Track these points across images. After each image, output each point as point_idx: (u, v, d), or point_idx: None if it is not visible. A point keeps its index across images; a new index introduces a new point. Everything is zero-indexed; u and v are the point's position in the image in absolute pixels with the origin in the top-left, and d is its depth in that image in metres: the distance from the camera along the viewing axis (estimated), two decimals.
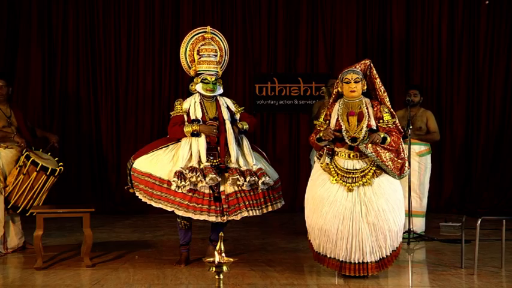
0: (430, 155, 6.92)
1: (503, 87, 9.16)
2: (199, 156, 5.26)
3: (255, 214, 5.31)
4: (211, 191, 5.20)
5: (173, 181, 5.10)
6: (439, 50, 9.20)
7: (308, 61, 9.29)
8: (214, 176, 5.12)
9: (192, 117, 5.40)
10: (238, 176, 5.18)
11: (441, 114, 9.14)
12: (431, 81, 9.21)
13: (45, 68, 9.01)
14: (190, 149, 5.29)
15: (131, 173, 5.41)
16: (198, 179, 5.08)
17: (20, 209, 5.98)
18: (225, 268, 2.99)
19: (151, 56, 9.15)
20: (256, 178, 5.24)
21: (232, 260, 3.03)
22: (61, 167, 6.11)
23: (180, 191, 5.11)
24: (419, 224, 6.79)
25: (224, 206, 5.19)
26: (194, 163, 5.21)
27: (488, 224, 6.09)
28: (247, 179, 5.19)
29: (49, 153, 6.27)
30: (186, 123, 5.36)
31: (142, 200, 5.32)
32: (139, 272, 5.16)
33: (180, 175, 5.10)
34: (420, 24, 9.24)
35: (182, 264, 5.35)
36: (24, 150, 6.00)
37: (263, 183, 5.26)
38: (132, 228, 7.51)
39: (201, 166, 5.20)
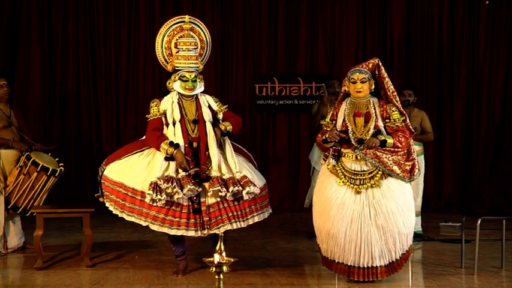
0: (423, 155, 6.91)
1: (503, 87, 9.16)
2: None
3: (239, 226, 4.88)
4: (190, 203, 4.76)
5: (148, 194, 4.65)
6: (439, 50, 9.20)
7: (308, 61, 9.29)
8: (193, 187, 4.68)
9: (169, 118, 4.95)
10: (219, 187, 4.72)
11: (441, 114, 9.15)
12: (431, 81, 9.21)
13: (45, 68, 9.00)
14: None
15: (102, 181, 4.99)
16: (174, 190, 4.63)
17: (20, 209, 5.98)
18: (225, 268, 2.99)
19: (151, 55, 9.11)
20: (240, 188, 4.78)
21: (232, 260, 3.03)
22: (61, 168, 6.10)
23: (155, 204, 4.68)
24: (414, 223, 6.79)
25: (205, 218, 4.76)
26: (171, 172, 4.77)
27: (488, 224, 6.08)
28: (230, 189, 4.74)
29: (49, 153, 6.27)
30: (166, 141, 4.85)
31: (113, 212, 4.90)
32: (139, 272, 5.15)
33: (155, 187, 4.64)
34: (420, 24, 9.24)
35: (180, 274, 4.98)
36: (25, 152, 5.99)
37: (248, 193, 4.81)
38: (132, 228, 7.48)
39: (178, 176, 4.76)
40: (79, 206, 5.69)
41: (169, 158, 4.83)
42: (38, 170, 5.92)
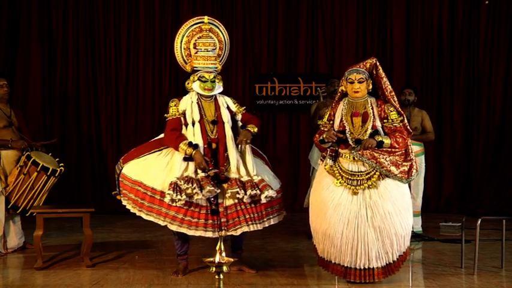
0: (424, 155, 6.90)
1: (503, 87, 9.18)
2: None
3: (255, 229, 4.89)
4: (208, 204, 4.77)
5: (168, 194, 4.66)
6: (439, 50, 9.21)
7: (308, 61, 9.30)
8: (212, 188, 4.70)
9: (189, 119, 4.94)
10: (238, 189, 4.75)
11: (441, 114, 9.15)
12: (431, 81, 9.21)
13: (45, 68, 9.01)
14: None
15: (120, 179, 5.02)
16: (194, 191, 4.65)
17: (20, 209, 5.98)
18: (225, 268, 2.99)
19: (152, 55, 9.15)
20: (258, 191, 4.80)
21: (232, 260, 3.03)
22: (62, 168, 6.10)
23: (174, 204, 4.69)
24: (414, 223, 6.79)
25: (222, 219, 4.77)
26: (190, 173, 4.78)
27: (488, 224, 6.08)
28: (248, 192, 4.76)
29: (50, 154, 6.27)
30: (185, 142, 4.84)
31: (131, 211, 4.91)
32: (139, 272, 5.15)
33: (175, 187, 4.66)
34: (420, 24, 9.25)
35: (180, 274, 4.96)
36: (25, 151, 5.99)
37: (266, 197, 4.83)
38: (132, 228, 7.50)
39: (198, 176, 4.76)
40: (79, 206, 5.68)
41: (188, 159, 4.83)
42: (38, 169, 5.92)
